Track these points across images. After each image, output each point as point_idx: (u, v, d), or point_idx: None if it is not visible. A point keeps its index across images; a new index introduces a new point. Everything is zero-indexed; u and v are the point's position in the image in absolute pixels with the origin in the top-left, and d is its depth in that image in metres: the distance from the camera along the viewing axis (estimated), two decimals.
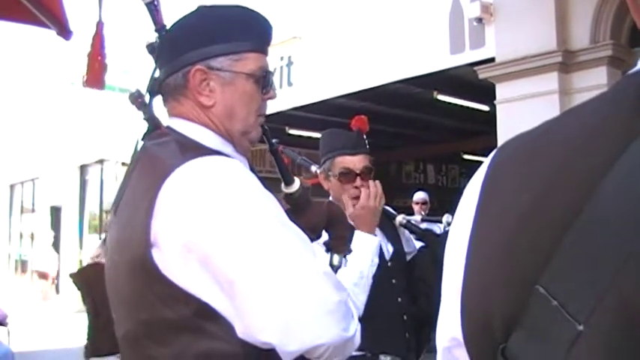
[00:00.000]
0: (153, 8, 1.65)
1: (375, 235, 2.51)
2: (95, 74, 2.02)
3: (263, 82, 1.51)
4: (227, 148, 1.48)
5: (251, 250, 1.24)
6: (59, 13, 2.40)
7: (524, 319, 0.70)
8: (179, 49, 1.47)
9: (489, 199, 0.79)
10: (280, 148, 1.79)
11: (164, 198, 1.28)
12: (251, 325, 1.23)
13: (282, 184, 1.72)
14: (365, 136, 2.82)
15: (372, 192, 2.57)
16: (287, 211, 1.64)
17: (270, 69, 1.57)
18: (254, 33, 1.51)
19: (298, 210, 1.69)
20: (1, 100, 21.61)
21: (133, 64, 12.83)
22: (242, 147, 1.53)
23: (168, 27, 1.56)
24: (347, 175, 2.70)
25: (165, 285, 1.27)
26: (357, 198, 2.66)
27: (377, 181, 2.62)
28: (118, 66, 14.35)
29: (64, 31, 2.48)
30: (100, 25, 2.04)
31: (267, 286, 1.23)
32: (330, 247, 1.78)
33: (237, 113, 1.48)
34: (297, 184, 1.71)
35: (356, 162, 2.72)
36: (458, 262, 0.81)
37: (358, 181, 2.69)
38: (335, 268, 1.74)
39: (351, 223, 2.42)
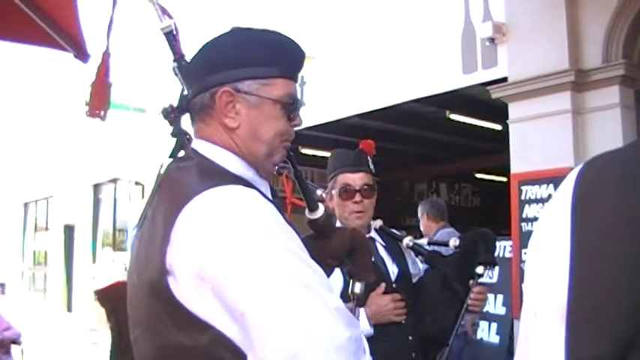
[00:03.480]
0: (172, 38, 1.67)
1: (371, 328, 2.57)
2: (98, 105, 2.03)
3: (290, 108, 1.50)
4: (249, 172, 1.49)
5: (262, 283, 1.24)
6: (77, 36, 2.43)
7: None
8: (208, 69, 1.48)
9: (589, 216, 0.78)
10: (285, 172, 1.78)
11: (180, 227, 1.30)
12: (261, 356, 1.22)
13: (307, 210, 1.70)
14: (369, 157, 2.87)
15: (400, 305, 2.66)
16: (310, 237, 1.65)
17: None
18: (285, 59, 1.51)
19: (322, 236, 1.68)
20: (16, 119, 21.79)
21: (147, 84, 12.92)
22: (265, 170, 1.53)
23: (191, 53, 1.56)
24: (347, 192, 2.75)
25: (181, 312, 1.28)
26: (357, 212, 2.71)
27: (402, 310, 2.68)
28: (132, 85, 14.45)
29: (82, 54, 2.51)
30: (106, 55, 2.05)
31: (276, 320, 1.21)
32: (352, 275, 1.76)
33: (261, 135, 1.48)
34: (321, 210, 1.69)
35: (356, 179, 2.77)
36: (558, 281, 0.79)
37: (358, 197, 2.75)
38: (356, 296, 1.73)
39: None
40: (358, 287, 1.74)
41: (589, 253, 0.76)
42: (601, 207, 0.76)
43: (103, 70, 1.98)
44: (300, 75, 1.60)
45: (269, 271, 1.25)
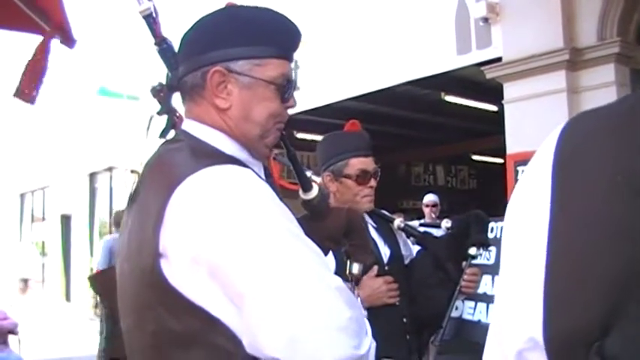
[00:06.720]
0: (151, 21, 1.63)
1: (365, 311, 2.56)
2: (27, 86, 1.98)
3: (283, 89, 1.45)
4: (242, 153, 1.44)
5: (261, 263, 1.20)
6: (62, 21, 2.40)
7: (632, 311, 0.64)
8: (200, 48, 1.43)
9: (576, 174, 0.73)
10: (272, 155, 1.75)
11: (174, 208, 1.26)
12: (258, 339, 1.19)
13: (300, 191, 1.67)
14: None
15: (393, 287, 2.63)
16: (305, 218, 1.61)
17: None
18: (280, 38, 1.46)
19: (317, 217, 1.64)
20: (11, 109, 21.71)
21: (141, 71, 12.85)
22: (259, 152, 1.49)
23: (178, 34, 1.52)
24: (363, 177, 2.74)
25: (174, 296, 1.24)
26: (370, 197, 2.75)
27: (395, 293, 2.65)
28: (125, 73, 14.38)
29: (68, 40, 2.47)
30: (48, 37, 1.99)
31: (275, 300, 1.18)
32: (349, 255, 1.73)
33: (254, 117, 1.43)
34: (315, 190, 1.65)
35: (369, 163, 2.78)
36: (536, 252, 0.74)
37: (373, 182, 2.76)
38: (355, 277, 1.70)
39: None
40: (356, 268, 1.70)
41: (575, 213, 0.71)
42: (592, 164, 0.72)
43: (42, 51, 1.93)
44: (294, 59, 1.55)
45: (268, 250, 1.22)
